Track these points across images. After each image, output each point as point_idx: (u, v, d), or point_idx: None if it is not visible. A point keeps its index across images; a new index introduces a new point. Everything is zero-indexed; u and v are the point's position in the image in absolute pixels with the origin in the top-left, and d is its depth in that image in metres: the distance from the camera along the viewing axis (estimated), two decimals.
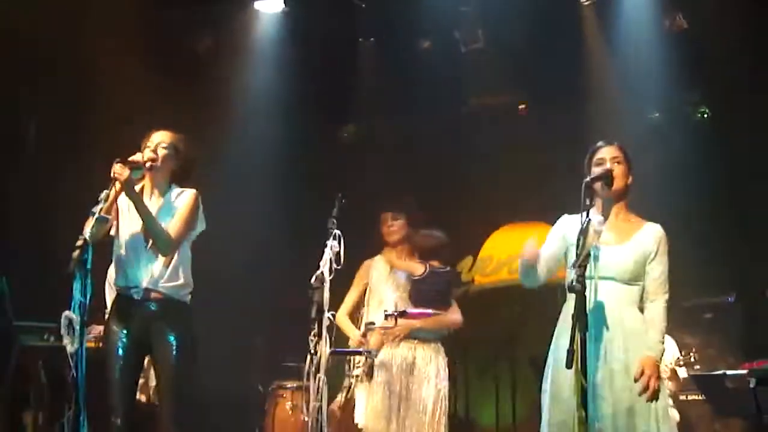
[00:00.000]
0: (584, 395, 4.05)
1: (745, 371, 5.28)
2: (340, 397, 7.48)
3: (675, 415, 4.83)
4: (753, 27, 8.27)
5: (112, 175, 4.92)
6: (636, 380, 4.45)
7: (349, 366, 7.12)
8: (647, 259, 4.66)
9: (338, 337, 6.07)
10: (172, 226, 5.16)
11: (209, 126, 8.60)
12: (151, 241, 5.14)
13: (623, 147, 4.84)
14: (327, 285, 5.06)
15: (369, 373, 6.29)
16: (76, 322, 4.58)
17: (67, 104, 8.53)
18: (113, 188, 4.94)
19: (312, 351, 4.95)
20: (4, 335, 6.73)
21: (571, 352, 4.07)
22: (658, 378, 4.50)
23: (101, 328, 5.71)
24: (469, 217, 9.47)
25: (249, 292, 9.00)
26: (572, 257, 4.44)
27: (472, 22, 9.08)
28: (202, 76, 9.08)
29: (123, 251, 5.18)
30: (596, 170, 4.71)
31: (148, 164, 5.15)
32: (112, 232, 5.19)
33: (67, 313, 4.64)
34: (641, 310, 4.67)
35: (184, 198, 5.26)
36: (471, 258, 10.17)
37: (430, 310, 6.28)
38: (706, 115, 9.50)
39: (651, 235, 4.70)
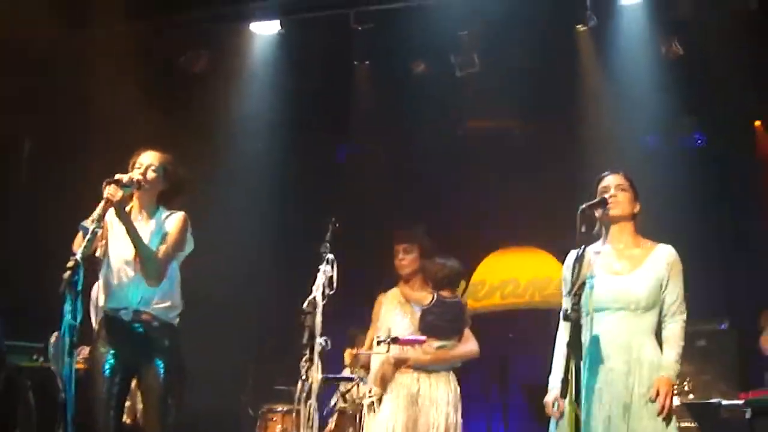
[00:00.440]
0: (579, 425, 4.01)
1: (741, 401, 5.22)
2: (331, 423, 7.44)
3: None
4: (748, 53, 8.30)
5: (104, 195, 4.88)
6: (653, 401, 4.41)
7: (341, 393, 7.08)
8: (661, 284, 4.62)
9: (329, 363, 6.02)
10: (161, 250, 5.12)
11: (203, 147, 8.57)
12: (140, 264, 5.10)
13: (628, 175, 4.82)
14: (319, 310, 5.01)
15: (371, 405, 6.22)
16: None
17: (61, 124, 8.51)
18: (103, 208, 4.90)
19: (303, 377, 4.89)
20: None
21: (565, 382, 4.04)
22: (673, 398, 4.47)
23: (89, 349, 5.66)
24: (462, 240, 9.41)
25: (240, 315, 8.96)
26: (568, 285, 4.43)
27: (468, 47, 9.07)
28: (197, 96, 9.06)
29: (112, 272, 5.14)
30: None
31: (136, 185, 5.11)
32: (99, 253, 5.15)
33: (56, 334, 4.60)
34: (659, 336, 4.63)
35: (172, 221, 5.23)
36: (464, 282, 10.12)
37: (423, 337, 6.19)
38: (700, 141, 9.52)
39: (662, 260, 4.66)
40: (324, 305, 5.05)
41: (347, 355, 6.58)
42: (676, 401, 7.73)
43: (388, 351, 6.13)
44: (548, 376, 4.68)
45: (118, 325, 5.12)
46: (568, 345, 4.08)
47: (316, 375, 4.91)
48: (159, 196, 5.29)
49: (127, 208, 5.14)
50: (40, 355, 6.90)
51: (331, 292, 5.10)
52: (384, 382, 6.26)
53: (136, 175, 5.15)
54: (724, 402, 5.41)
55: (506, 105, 9.53)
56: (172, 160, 5.32)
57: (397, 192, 9.55)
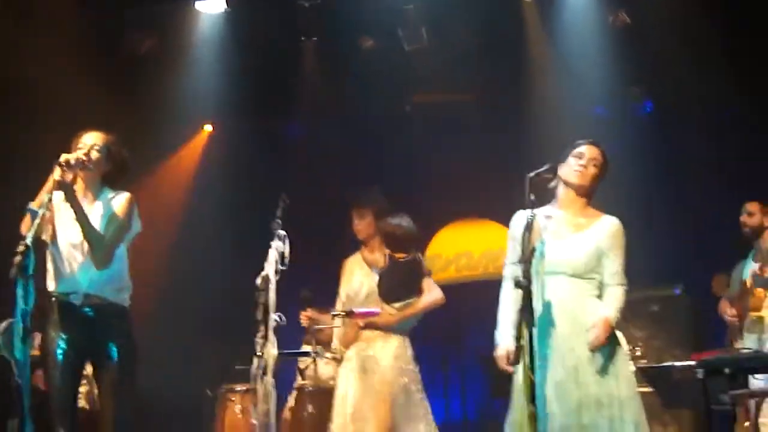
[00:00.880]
0: (533, 390, 4.05)
1: (693, 362, 5.28)
2: (291, 400, 7.44)
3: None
4: (695, 21, 8.35)
5: (53, 177, 4.83)
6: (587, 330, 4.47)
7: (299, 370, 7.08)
8: (600, 253, 4.66)
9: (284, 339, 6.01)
10: (109, 232, 5.09)
11: (149, 127, 8.50)
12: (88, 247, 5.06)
13: (606, 155, 4.85)
14: (273, 286, 5.00)
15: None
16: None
17: (2, 107, 8.37)
18: (51, 190, 4.85)
19: (258, 353, 4.88)
20: None
21: (518, 348, 4.06)
22: (609, 338, 4.52)
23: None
24: (415, 215, 9.39)
25: (196, 296, 8.90)
26: (518, 253, 4.46)
27: (415, 21, 9.05)
28: (142, 76, 8.96)
29: (60, 256, 5.09)
30: (564, 167, 4.72)
31: (82, 165, 5.05)
32: (45, 236, 5.09)
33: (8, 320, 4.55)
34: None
35: (118, 202, 5.19)
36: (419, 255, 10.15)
37: (377, 309, 6.20)
38: (649, 110, 9.60)
39: (605, 229, 4.70)
40: (277, 281, 5.04)
41: (303, 317, 6.58)
42: (631, 367, 7.85)
43: (342, 324, 6.15)
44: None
45: (69, 309, 5.07)
46: (521, 311, 4.11)
47: (272, 351, 4.90)
48: (103, 176, 5.24)
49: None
50: None
51: (284, 268, 5.09)
52: (347, 341, 6.29)
53: (80, 155, 5.09)
54: (677, 364, 5.47)
55: (455, 78, 9.54)
56: (115, 140, 5.27)
57: (347, 168, 9.51)
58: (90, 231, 4.99)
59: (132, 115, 7.79)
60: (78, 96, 8.01)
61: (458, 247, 10.03)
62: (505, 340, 4.60)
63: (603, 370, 4.50)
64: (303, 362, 7.28)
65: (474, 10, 8.75)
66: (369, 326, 6.28)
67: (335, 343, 6.43)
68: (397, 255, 6.46)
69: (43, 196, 4.84)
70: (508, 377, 4.67)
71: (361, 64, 9.30)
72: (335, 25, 9.18)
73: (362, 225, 6.53)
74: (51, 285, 5.14)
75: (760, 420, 6.28)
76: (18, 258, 4.36)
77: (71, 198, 4.94)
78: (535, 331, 4.12)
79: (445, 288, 9.40)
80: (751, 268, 7.08)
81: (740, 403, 6.31)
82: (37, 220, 4.64)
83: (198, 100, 9.25)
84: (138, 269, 5.36)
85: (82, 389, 6.17)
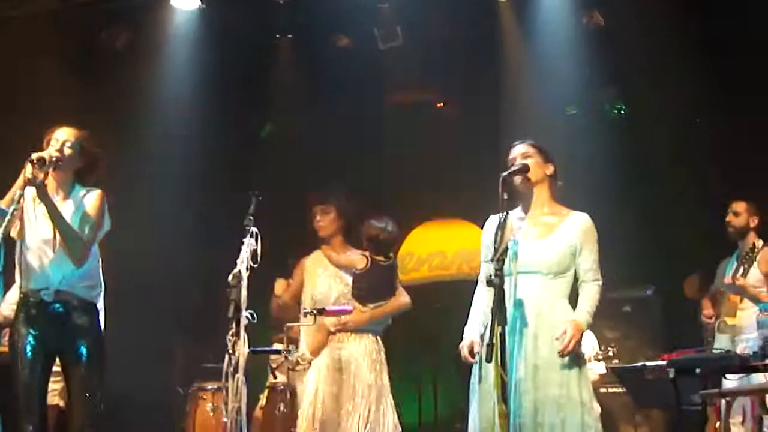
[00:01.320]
0: (504, 389, 4.05)
1: (664, 362, 5.31)
2: (262, 399, 7.41)
3: (596, 407, 4.87)
4: (669, 24, 8.38)
5: (24, 175, 4.81)
6: (556, 339, 4.46)
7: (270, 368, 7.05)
8: (574, 250, 4.67)
9: (257, 337, 5.99)
10: (86, 230, 5.08)
11: (122, 123, 8.45)
12: (59, 243, 5.02)
13: (535, 143, 4.86)
14: (244, 283, 4.98)
15: (296, 365, 6.20)
16: None
17: None
18: (23, 188, 4.83)
19: (230, 351, 4.86)
20: None
21: (490, 346, 4.07)
22: (579, 343, 4.52)
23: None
24: (388, 214, 9.43)
25: (167, 293, 8.86)
26: (491, 251, 4.48)
27: (390, 20, 9.05)
28: (116, 71, 8.91)
29: (30, 253, 5.06)
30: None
31: (55, 163, 5.02)
32: (14, 233, 5.06)
33: None
34: (574, 302, 4.68)
35: (91, 200, 5.16)
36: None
37: (349, 307, 6.20)
38: (622, 111, 9.63)
39: (576, 226, 4.71)
40: (249, 278, 5.02)
41: (278, 284, 6.57)
42: (602, 369, 7.88)
43: (314, 322, 6.14)
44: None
45: (39, 306, 5.05)
46: (492, 310, 4.12)
47: (243, 349, 4.88)
48: (75, 172, 5.22)
49: None
50: None
51: (256, 265, 5.07)
52: (318, 349, 6.27)
53: (52, 152, 5.06)
54: (648, 363, 5.50)
55: (429, 77, 9.54)
56: (87, 136, 5.25)
57: (320, 167, 9.48)
58: (65, 228, 4.97)
59: (105, 110, 7.73)
60: (51, 91, 7.96)
61: (432, 247, 10.04)
62: (469, 332, 4.65)
63: (564, 373, 4.51)
64: (274, 361, 7.26)
65: (449, 10, 8.76)
66: (340, 330, 6.29)
67: (303, 351, 6.38)
68: (378, 258, 6.47)
69: (13, 194, 4.82)
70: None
71: (337, 61, 9.28)
72: (310, 22, 9.17)
73: (326, 221, 6.51)
74: (21, 282, 5.11)
75: (731, 420, 6.31)
76: None
77: (44, 198, 4.93)
78: (507, 329, 4.13)
79: (418, 287, 9.45)
80: (732, 268, 7.08)
81: (711, 403, 6.35)
82: (8, 218, 4.63)
83: (169, 96, 9.19)
84: (108, 267, 5.34)
85: (57, 386, 6.12)
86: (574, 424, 4.44)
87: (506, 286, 4.27)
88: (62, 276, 5.05)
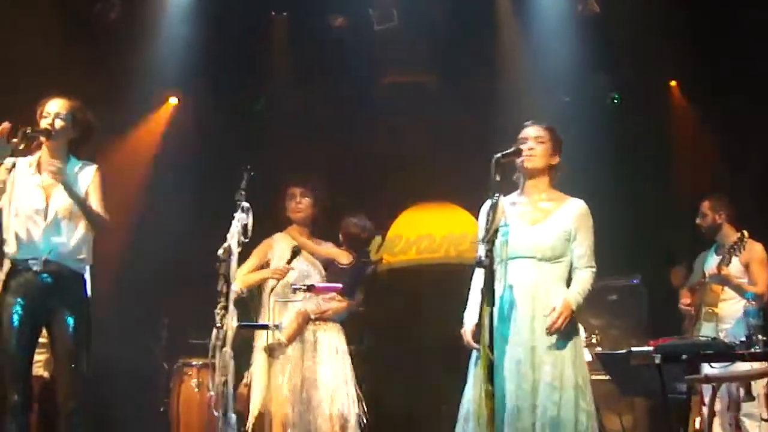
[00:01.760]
0: (491, 369, 4.07)
1: (650, 348, 5.33)
2: (248, 376, 7.40)
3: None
4: (663, 12, 8.38)
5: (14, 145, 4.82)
6: (546, 315, 4.51)
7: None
8: (568, 236, 4.68)
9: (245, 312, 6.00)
10: (98, 206, 5.20)
11: (116, 96, 8.40)
12: (53, 215, 5.04)
13: (550, 126, 4.86)
14: (234, 258, 4.98)
15: (271, 351, 6.17)
16: None
17: None
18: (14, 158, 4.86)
19: (218, 324, 4.85)
20: None
21: (479, 327, 4.09)
22: (568, 321, 4.54)
23: None
24: (378, 195, 9.43)
25: (154, 267, 8.82)
26: (482, 233, 4.48)
27: (386, 1, 9.02)
28: (109, 45, 8.84)
29: (20, 223, 5.05)
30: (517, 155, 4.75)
31: (46, 134, 5.03)
32: (2, 204, 5.06)
33: None
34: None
35: (90, 175, 5.21)
36: (380, 238, 10.14)
37: (339, 285, 6.22)
38: (616, 99, 9.63)
39: (571, 213, 4.73)
40: (239, 253, 5.02)
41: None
42: (588, 356, 7.89)
43: (303, 299, 6.16)
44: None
45: (27, 275, 5.06)
46: (482, 291, 4.13)
47: (231, 323, 4.87)
48: (69, 143, 5.22)
49: (36, 157, 5.08)
50: None
51: (246, 240, 5.07)
52: (295, 336, 6.28)
53: (44, 124, 5.07)
54: (634, 349, 5.51)
55: (424, 59, 9.51)
56: (80, 107, 5.25)
57: (314, 146, 9.46)
58: (84, 206, 5.13)
59: (98, 83, 7.69)
60: (44, 62, 7.91)
61: (420, 229, 10.03)
62: (469, 318, 4.66)
63: (559, 355, 4.53)
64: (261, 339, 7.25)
65: None
66: (319, 318, 6.34)
67: (280, 336, 6.37)
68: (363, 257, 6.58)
69: (7, 162, 4.83)
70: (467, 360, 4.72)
71: (331, 41, 9.24)
72: (306, 1, 9.13)
73: (304, 204, 6.51)
74: (10, 251, 5.11)
75: (716, 408, 6.34)
76: None
77: (65, 181, 5.02)
78: (495, 310, 4.14)
79: (406, 269, 9.45)
80: (712, 259, 7.14)
81: (696, 392, 6.40)
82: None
83: (163, 71, 9.14)
84: (97, 239, 5.34)
85: (42, 357, 6.12)
86: (568, 407, 4.46)
87: (497, 270, 4.28)
88: (52, 246, 5.06)
